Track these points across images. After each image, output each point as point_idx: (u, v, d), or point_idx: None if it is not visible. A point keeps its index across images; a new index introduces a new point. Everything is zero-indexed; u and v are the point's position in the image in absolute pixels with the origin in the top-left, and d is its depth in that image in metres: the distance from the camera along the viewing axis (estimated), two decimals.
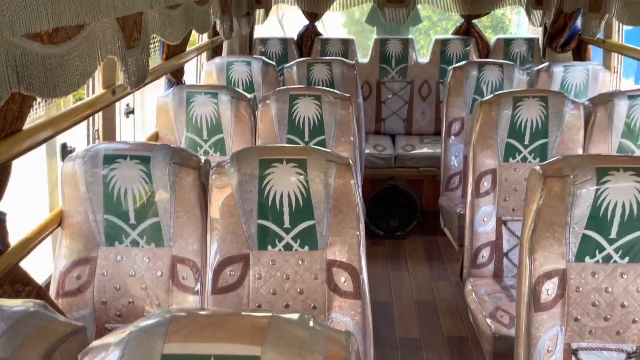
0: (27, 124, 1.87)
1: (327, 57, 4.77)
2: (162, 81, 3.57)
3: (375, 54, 5.22)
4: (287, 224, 2.09)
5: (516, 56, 5.10)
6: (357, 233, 2.09)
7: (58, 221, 2.20)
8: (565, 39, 4.65)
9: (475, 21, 5.27)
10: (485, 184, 2.96)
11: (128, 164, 2.16)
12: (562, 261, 1.96)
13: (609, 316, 1.96)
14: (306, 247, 2.10)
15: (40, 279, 2.10)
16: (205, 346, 1.07)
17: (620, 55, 4.17)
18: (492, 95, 3.08)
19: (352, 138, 3.16)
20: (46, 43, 1.63)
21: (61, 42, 1.72)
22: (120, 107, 2.95)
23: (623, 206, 1.94)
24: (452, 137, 3.93)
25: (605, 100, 3.06)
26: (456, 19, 6.86)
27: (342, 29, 10.52)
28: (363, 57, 5.32)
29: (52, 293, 2.13)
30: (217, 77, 4.06)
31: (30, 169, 2.46)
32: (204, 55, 4.38)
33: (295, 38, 5.36)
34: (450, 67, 4.10)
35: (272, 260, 2.10)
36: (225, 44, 4.81)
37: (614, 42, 4.14)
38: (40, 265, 2.30)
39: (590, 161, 1.98)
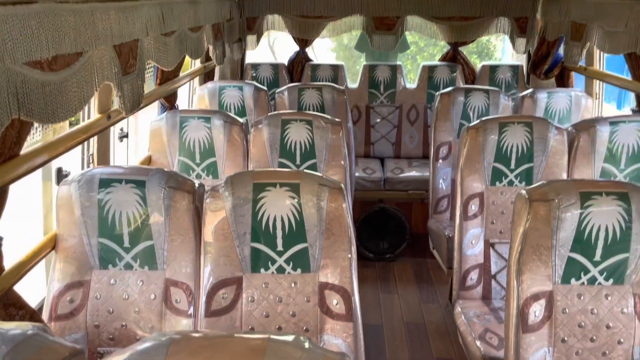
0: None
1: (318, 83, 4.85)
2: (155, 105, 3.61)
3: (364, 79, 5.32)
4: (280, 247, 2.11)
5: (501, 82, 5.22)
6: (349, 256, 2.12)
7: (52, 245, 2.21)
8: (548, 66, 4.78)
9: (461, 48, 5.40)
10: (473, 207, 3.02)
11: (123, 188, 2.18)
12: (548, 283, 2.01)
13: (595, 337, 2.00)
14: (299, 270, 2.12)
15: (32, 302, 2.10)
16: None
17: (602, 82, 4.30)
18: (478, 121, 3.16)
19: (342, 162, 3.22)
20: (46, 70, 1.67)
21: (60, 69, 1.76)
22: (114, 131, 2.98)
23: (606, 229, 2.00)
24: (440, 160, 4.01)
25: (588, 126, 3.15)
26: (442, 45, 7.01)
27: (331, 54, 10.68)
28: (352, 81, 5.42)
29: (44, 316, 2.13)
30: (209, 101, 4.11)
31: (25, 193, 2.47)
32: (197, 79, 4.44)
33: (286, 63, 5.45)
34: (437, 93, 4.21)
35: (265, 283, 2.12)
36: (217, 69, 4.88)
37: (596, 70, 4.27)
38: (32, 289, 2.30)
39: (574, 186, 2.04)
